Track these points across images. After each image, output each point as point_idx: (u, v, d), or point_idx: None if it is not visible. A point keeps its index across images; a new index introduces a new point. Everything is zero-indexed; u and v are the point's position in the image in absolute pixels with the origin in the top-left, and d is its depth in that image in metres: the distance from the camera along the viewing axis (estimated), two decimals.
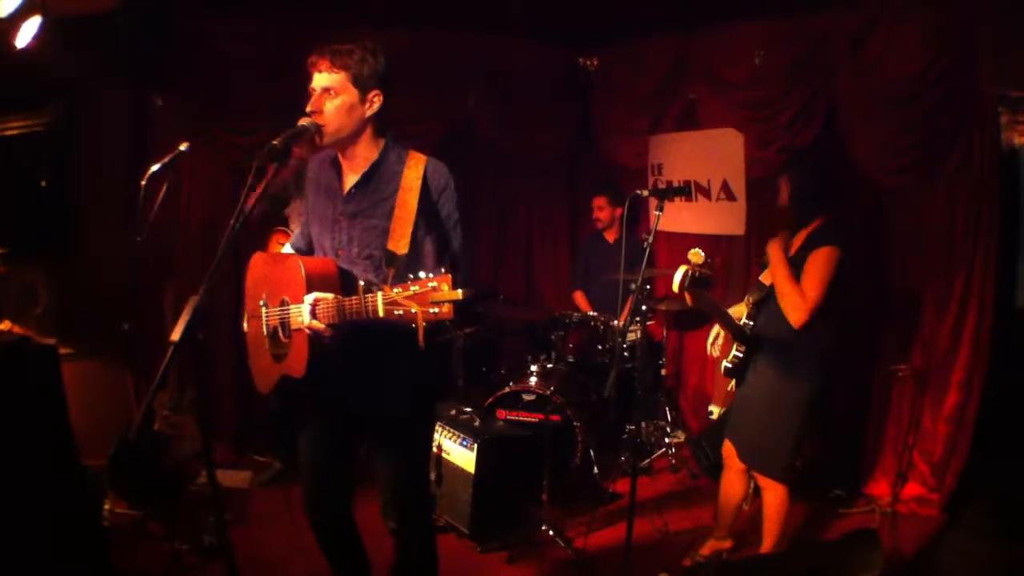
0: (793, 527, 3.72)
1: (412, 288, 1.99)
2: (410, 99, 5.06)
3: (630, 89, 5.66)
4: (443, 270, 2.01)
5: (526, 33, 5.57)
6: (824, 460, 4.68)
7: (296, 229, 2.93)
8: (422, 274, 2.00)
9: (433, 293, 1.97)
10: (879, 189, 4.48)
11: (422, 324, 1.99)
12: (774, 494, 3.49)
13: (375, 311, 2.08)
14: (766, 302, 3.44)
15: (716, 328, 3.78)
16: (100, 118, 4.64)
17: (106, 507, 3.84)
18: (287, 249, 2.90)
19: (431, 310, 1.97)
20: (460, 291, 1.97)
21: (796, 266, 3.34)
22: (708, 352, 3.82)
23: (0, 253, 4.42)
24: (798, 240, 3.43)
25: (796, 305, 3.26)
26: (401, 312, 1.99)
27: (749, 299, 3.55)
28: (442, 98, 5.40)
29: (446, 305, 1.97)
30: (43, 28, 3.82)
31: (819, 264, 3.25)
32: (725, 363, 3.56)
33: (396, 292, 2.00)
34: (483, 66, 5.54)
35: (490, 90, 5.56)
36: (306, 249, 2.82)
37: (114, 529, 3.81)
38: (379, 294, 2.06)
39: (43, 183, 4.54)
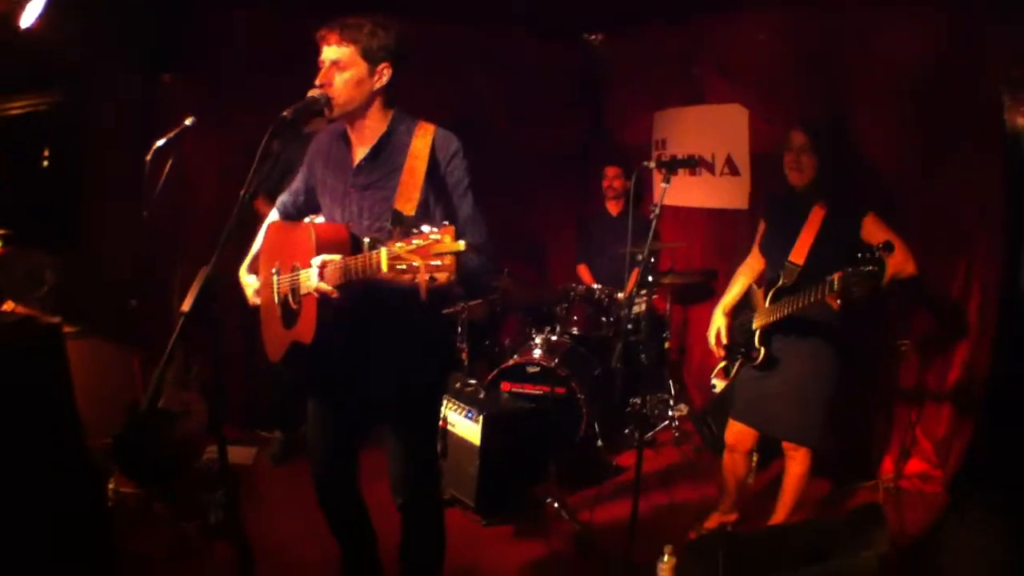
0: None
1: (415, 242, 1.93)
2: (420, 90, 5.04)
3: (638, 70, 5.67)
4: (445, 223, 1.97)
5: (534, 25, 5.56)
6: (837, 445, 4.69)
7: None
8: (425, 228, 1.95)
9: (435, 245, 1.92)
10: (883, 174, 4.44)
11: (425, 278, 1.93)
12: (799, 464, 3.54)
13: (379, 267, 2.02)
14: (794, 289, 3.36)
15: (717, 324, 3.74)
16: (109, 98, 4.59)
17: (110, 486, 3.85)
18: (273, 213, 2.88)
19: (433, 263, 1.92)
20: (462, 242, 1.93)
21: (828, 240, 3.35)
22: (712, 345, 3.75)
23: (3, 234, 4.40)
24: (816, 220, 3.42)
25: (906, 263, 3.30)
26: (404, 267, 1.94)
27: (766, 288, 3.51)
28: (452, 91, 5.40)
29: (448, 257, 1.92)
30: (48, 7, 3.77)
31: (878, 223, 3.33)
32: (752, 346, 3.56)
33: (399, 247, 1.94)
34: (494, 59, 5.55)
35: (500, 83, 5.58)
36: (293, 212, 2.82)
37: (119, 510, 3.80)
38: (383, 249, 2.00)
39: (49, 163, 4.51)
